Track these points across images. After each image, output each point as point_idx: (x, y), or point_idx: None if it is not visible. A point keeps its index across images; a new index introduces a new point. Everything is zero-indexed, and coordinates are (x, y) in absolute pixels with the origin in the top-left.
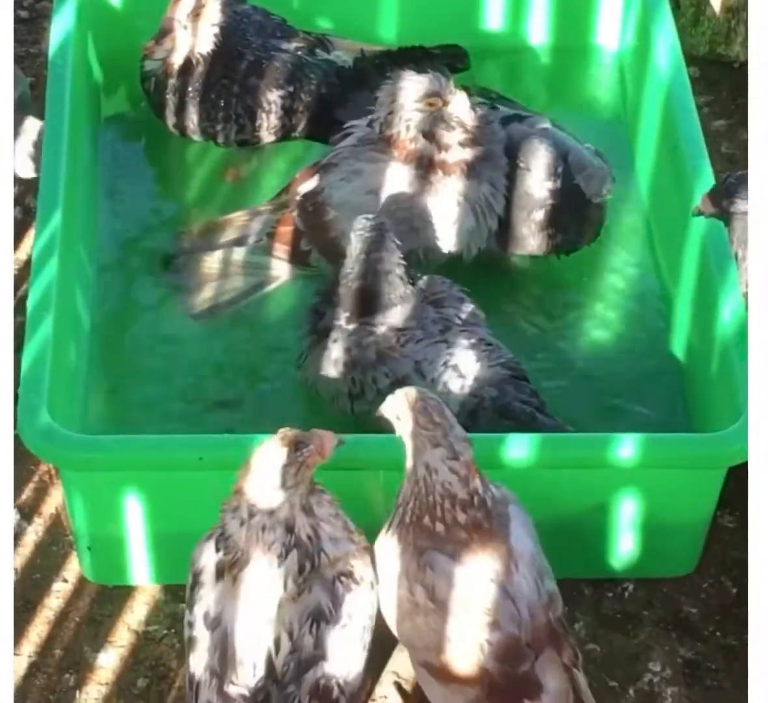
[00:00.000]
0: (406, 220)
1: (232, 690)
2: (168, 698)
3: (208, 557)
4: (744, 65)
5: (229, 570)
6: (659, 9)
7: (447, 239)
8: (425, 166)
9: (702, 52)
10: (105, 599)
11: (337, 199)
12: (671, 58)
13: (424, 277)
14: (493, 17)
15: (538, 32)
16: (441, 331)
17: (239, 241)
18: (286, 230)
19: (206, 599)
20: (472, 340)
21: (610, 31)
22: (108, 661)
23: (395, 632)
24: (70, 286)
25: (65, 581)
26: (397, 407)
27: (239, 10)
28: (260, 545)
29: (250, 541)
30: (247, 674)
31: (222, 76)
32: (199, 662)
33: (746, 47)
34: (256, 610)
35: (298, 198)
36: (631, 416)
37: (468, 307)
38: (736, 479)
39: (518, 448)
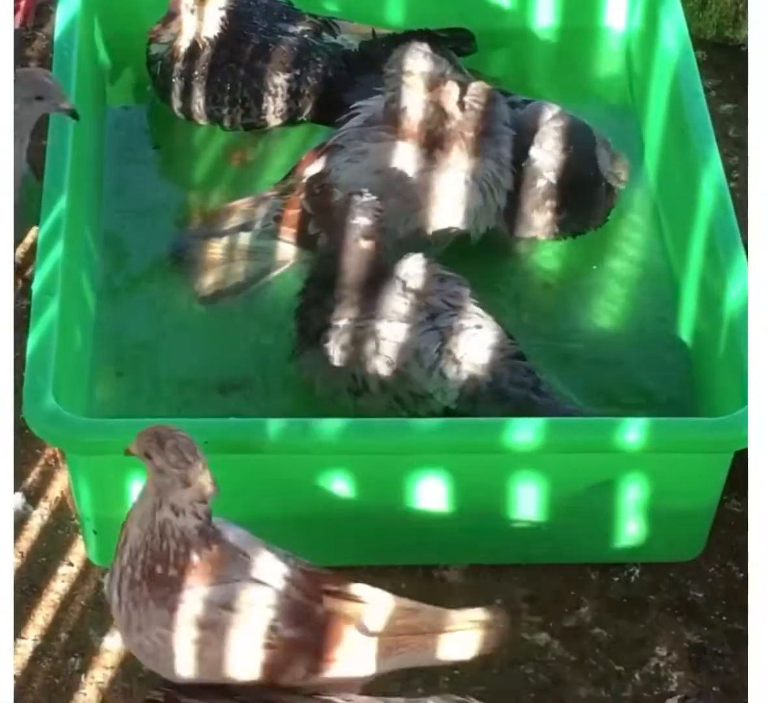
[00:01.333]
0: (413, 199)
1: None
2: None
3: None
4: None
5: None
6: None
7: (454, 218)
8: (430, 145)
9: (709, 36)
10: None
11: (343, 181)
12: (679, 41)
13: (401, 261)
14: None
15: (545, 15)
16: (429, 317)
17: (245, 227)
18: (293, 214)
19: None
20: (462, 323)
21: (617, 13)
22: (113, 644)
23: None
24: (76, 269)
25: (71, 564)
26: (146, 444)
27: None
28: None
29: None
30: None
31: (228, 59)
32: None
33: None
34: None
35: (304, 181)
36: (638, 400)
37: (450, 287)
38: (743, 463)
39: (524, 432)
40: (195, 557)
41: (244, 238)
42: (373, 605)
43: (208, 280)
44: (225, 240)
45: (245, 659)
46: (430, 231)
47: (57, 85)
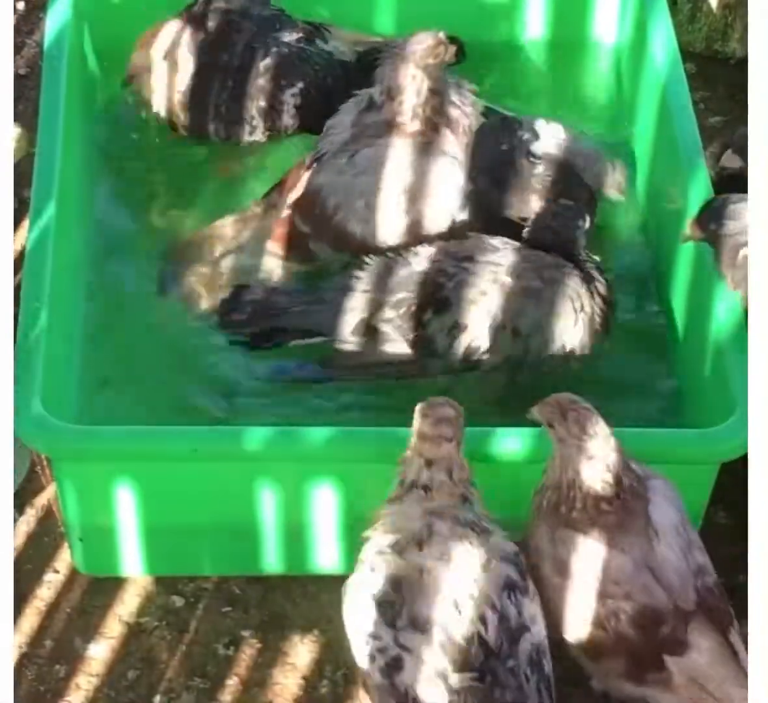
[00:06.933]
0: (407, 191)
1: (458, 679)
2: (158, 690)
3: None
4: (740, 61)
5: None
6: (656, 5)
7: (451, 203)
8: (421, 133)
9: (698, 49)
10: (96, 591)
11: (336, 192)
12: (668, 53)
13: None
14: (490, 11)
15: (536, 26)
16: None
17: (230, 252)
18: (283, 232)
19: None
20: None
21: (607, 26)
22: (99, 652)
23: None
24: (64, 276)
25: (57, 572)
26: (549, 414)
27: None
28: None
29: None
30: (467, 659)
31: (215, 70)
32: (413, 673)
33: (743, 43)
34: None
35: (293, 202)
36: (624, 412)
37: None
38: (729, 475)
39: (510, 442)
40: (598, 509)
41: (233, 261)
42: None
43: (202, 305)
44: (212, 267)
45: (576, 615)
46: (428, 219)
47: None
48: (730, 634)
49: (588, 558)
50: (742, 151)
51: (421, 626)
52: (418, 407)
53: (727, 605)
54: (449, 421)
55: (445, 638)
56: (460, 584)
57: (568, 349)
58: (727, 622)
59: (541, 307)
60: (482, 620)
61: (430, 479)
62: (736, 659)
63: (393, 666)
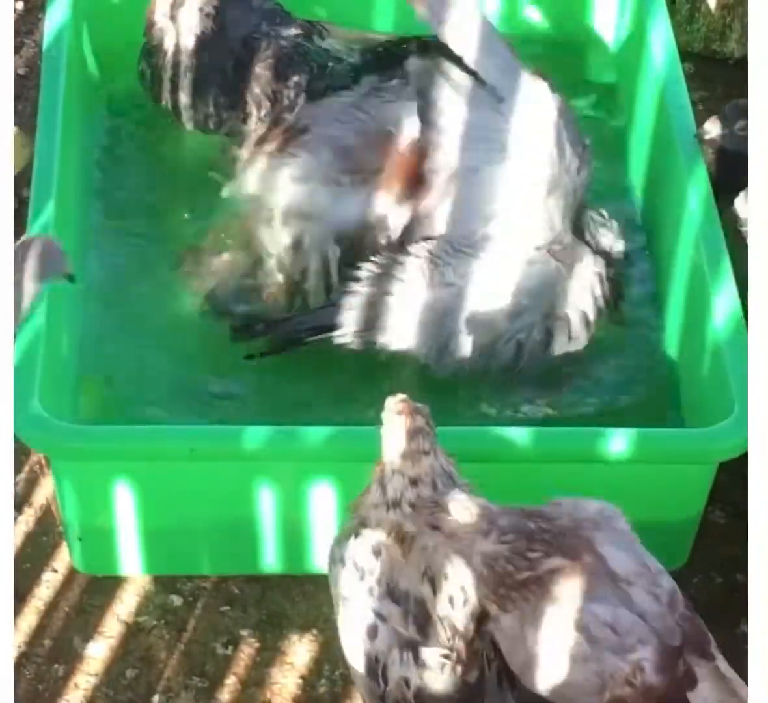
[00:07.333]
0: None
1: (427, 653)
2: (156, 689)
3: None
4: (739, 62)
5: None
6: (654, 4)
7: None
8: None
9: (697, 49)
10: (95, 590)
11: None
12: (666, 53)
13: None
14: (489, 8)
15: (534, 26)
16: None
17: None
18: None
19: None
20: None
21: (605, 25)
22: (97, 651)
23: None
24: None
25: (55, 571)
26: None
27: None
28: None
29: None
30: (444, 634)
31: (217, 63)
32: (385, 642)
33: (741, 44)
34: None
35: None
36: (622, 412)
37: None
38: (727, 474)
39: (508, 441)
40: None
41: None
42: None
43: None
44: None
45: (592, 682)
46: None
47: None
48: (715, 658)
49: (587, 623)
50: (726, 119)
51: (396, 597)
52: (386, 420)
53: (702, 626)
54: (424, 432)
55: (419, 612)
56: (438, 563)
57: (589, 309)
58: (707, 644)
59: (561, 285)
60: (451, 601)
61: (416, 496)
62: (729, 683)
63: (370, 634)
